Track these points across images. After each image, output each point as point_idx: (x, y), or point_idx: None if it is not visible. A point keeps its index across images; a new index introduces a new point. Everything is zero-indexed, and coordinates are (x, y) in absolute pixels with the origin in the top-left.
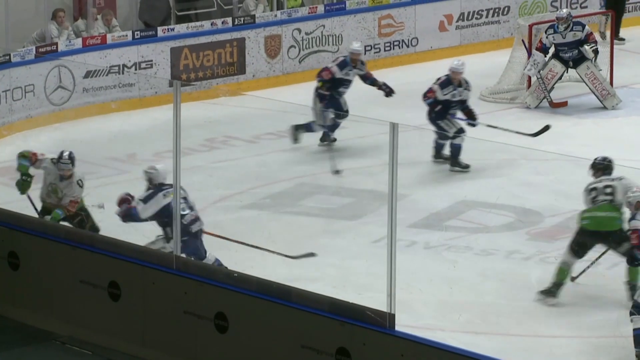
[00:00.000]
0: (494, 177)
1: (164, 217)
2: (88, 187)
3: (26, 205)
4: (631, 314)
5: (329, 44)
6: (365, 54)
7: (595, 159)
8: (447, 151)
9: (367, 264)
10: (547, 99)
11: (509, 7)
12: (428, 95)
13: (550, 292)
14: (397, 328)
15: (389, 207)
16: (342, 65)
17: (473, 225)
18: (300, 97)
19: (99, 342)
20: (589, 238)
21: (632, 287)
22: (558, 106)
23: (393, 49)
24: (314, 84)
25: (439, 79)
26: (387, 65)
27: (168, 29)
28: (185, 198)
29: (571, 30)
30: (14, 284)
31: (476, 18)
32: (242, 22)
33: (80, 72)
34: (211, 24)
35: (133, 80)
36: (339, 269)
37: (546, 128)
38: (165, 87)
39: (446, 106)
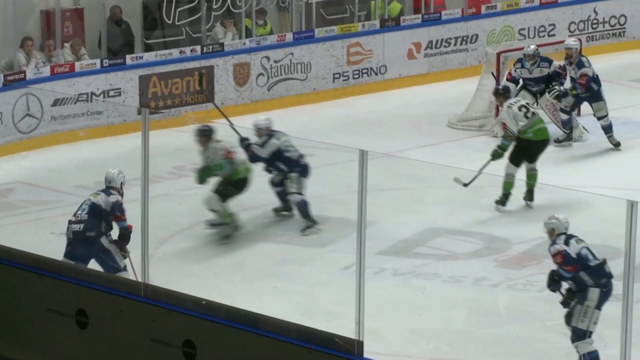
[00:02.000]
0: (462, 204)
1: None
2: (54, 216)
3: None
4: (572, 341)
5: (297, 72)
6: (334, 81)
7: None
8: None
9: (335, 291)
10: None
11: (477, 35)
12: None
13: (501, 202)
14: (365, 355)
15: (357, 234)
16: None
17: (441, 252)
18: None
19: None
20: (528, 148)
21: (568, 315)
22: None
23: (362, 76)
24: (282, 111)
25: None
26: (356, 92)
27: (137, 57)
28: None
29: (538, 66)
30: None
31: (444, 46)
32: (210, 49)
33: (48, 100)
34: (180, 52)
35: (101, 108)
36: (306, 297)
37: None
38: (134, 115)
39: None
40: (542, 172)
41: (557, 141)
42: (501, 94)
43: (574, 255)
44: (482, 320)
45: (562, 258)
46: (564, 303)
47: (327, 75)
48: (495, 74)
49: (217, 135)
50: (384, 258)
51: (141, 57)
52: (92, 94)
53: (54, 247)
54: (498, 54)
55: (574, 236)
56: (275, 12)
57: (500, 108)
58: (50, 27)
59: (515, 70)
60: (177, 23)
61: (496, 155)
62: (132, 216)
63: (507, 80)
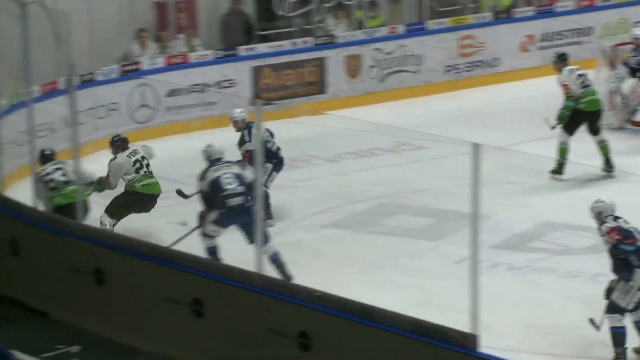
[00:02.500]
0: (578, 198)
1: (213, 189)
2: (170, 205)
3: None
4: (605, 312)
5: (409, 64)
6: (445, 74)
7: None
8: None
9: (449, 284)
10: (629, 119)
11: (591, 28)
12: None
13: (557, 171)
14: (480, 349)
15: (471, 227)
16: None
17: (557, 247)
18: (381, 116)
19: (183, 359)
20: (582, 118)
21: (608, 290)
22: (638, 125)
23: (474, 69)
24: (394, 103)
25: None
26: (468, 85)
27: (249, 48)
28: (238, 174)
29: None
30: (99, 300)
31: (558, 39)
32: (322, 41)
33: (163, 90)
34: (292, 44)
35: (215, 99)
36: (421, 289)
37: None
38: (247, 106)
39: None
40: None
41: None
42: (560, 60)
43: (627, 229)
44: (599, 316)
45: (620, 233)
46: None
47: (439, 68)
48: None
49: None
50: (498, 252)
51: (253, 49)
52: (206, 84)
53: (169, 236)
54: (613, 47)
55: (621, 217)
56: (387, 4)
57: (560, 74)
58: (164, 18)
59: (630, 58)
60: (289, 15)
61: (563, 117)
62: None
63: (622, 64)
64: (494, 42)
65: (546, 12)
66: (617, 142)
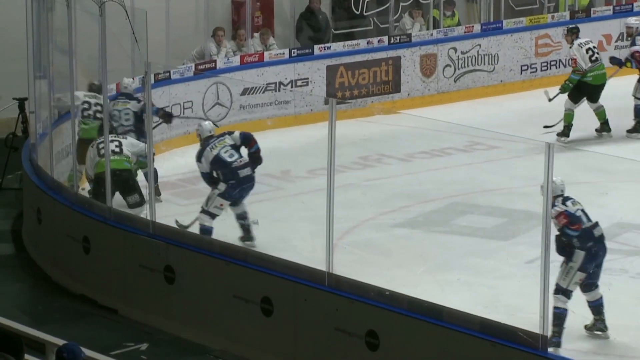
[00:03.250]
0: None
1: (216, 166)
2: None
3: (184, 220)
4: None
5: (484, 64)
6: (521, 73)
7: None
8: None
9: (519, 284)
10: None
11: None
12: None
13: (564, 133)
14: (549, 350)
15: (542, 227)
16: None
17: (629, 247)
18: (455, 116)
19: (251, 357)
20: (586, 90)
21: None
22: None
23: (550, 68)
24: (468, 103)
25: None
26: (544, 85)
27: (325, 47)
28: (232, 145)
29: None
30: (169, 298)
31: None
32: (398, 40)
33: (237, 89)
34: (367, 43)
35: (289, 97)
36: (490, 289)
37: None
38: (321, 104)
39: None
40: None
41: (628, 131)
42: (571, 33)
43: (575, 214)
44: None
45: (567, 218)
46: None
47: (514, 67)
48: None
49: None
50: None
51: (329, 47)
52: (280, 83)
53: (240, 235)
54: None
55: (571, 198)
56: (464, 3)
57: (570, 46)
58: (241, 17)
59: None
60: (365, 13)
61: (565, 88)
62: (318, 205)
63: None
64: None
65: (625, 12)
66: None
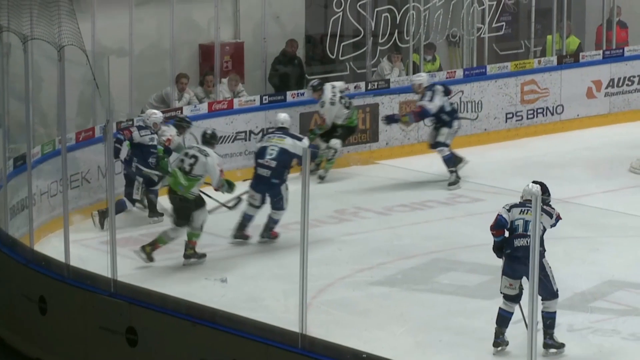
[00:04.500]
0: None
1: (255, 155)
2: (209, 261)
3: (147, 278)
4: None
5: (467, 111)
6: (506, 121)
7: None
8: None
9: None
10: None
11: None
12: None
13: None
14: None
15: (530, 285)
16: None
17: (621, 307)
18: (435, 167)
19: None
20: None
21: None
22: None
23: (537, 116)
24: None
25: None
26: (530, 134)
27: (298, 93)
28: (283, 150)
29: None
30: None
31: (627, 84)
32: (375, 86)
33: None
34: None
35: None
36: (474, 351)
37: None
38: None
39: None
40: None
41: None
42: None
43: (506, 221)
44: None
45: (495, 220)
46: None
47: (499, 115)
48: None
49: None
50: (558, 312)
51: (302, 94)
52: (251, 132)
53: (208, 294)
54: None
55: (524, 206)
56: (445, 47)
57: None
58: (209, 62)
59: None
60: (341, 58)
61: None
62: (291, 262)
63: None
64: (558, 88)
65: (615, 56)
66: None
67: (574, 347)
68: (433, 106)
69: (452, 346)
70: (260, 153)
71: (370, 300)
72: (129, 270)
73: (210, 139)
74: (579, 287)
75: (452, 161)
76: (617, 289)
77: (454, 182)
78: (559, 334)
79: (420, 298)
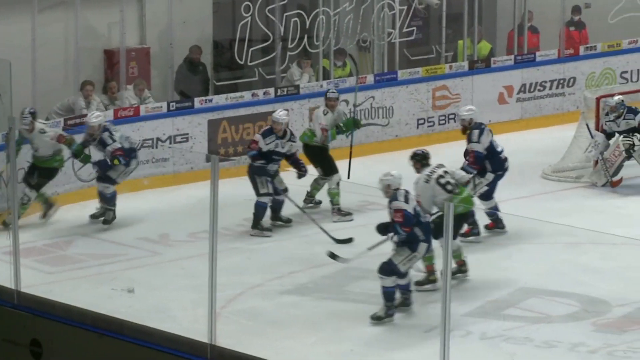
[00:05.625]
0: (557, 262)
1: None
2: (115, 270)
3: (51, 289)
4: (381, 272)
5: (378, 117)
6: (417, 127)
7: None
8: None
9: (417, 355)
10: (610, 181)
11: (574, 79)
12: (251, 146)
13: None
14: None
15: (442, 294)
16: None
17: (534, 314)
18: (353, 173)
19: None
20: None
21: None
22: (617, 184)
23: (448, 122)
24: (364, 159)
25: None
26: (442, 140)
27: (206, 99)
28: None
29: (624, 118)
30: None
31: (539, 90)
32: (285, 92)
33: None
34: (252, 95)
35: (167, 154)
36: None
37: (349, 240)
38: (202, 162)
39: (268, 159)
40: None
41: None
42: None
43: (412, 213)
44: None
45: (403, 218)
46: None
47: (410, 121)
48: (589, 125)
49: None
50: (471, 320)
51: (211, 100)
52: (158, 139)
53: (114, 304)
54: (597, 99)
55: (408, 192)
56: (355, 52)
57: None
58: (114, 68)
59: (605, 123)
60: (249, 63)
61: None
62: (200, 272)
63: (600, 131)
64: (470, 93)
65: (527, 61)
66: (600, 201)
67: (486, 355)
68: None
69: (363, 356)
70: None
71: (280, 310)
72: (33, 281)
73: None
74: (492, 294)
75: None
76: (530, 296)
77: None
78: (471, 342)
79: (332, 307)
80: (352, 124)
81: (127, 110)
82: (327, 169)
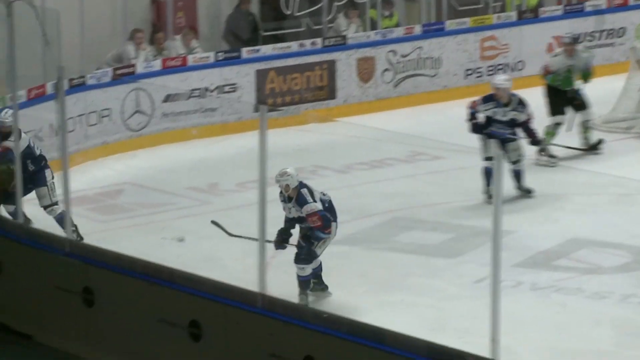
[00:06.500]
0: (608, 213)
1: None
2: (165, 220)
3: (103, 237)
4: (298, 260)
5: (426, 67)
6: (465, 78)
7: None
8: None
9: (467, 305)
10: None
11: (624, 29)
12: (471, 105)
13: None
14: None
15: (493, 244)
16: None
17: (585, 265)
18: (395, 124)
19: None
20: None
21: (304, 237)
22: None
23: (497, 73)
24: (409, 110)
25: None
26: (490, 91)
27: (253, 50)
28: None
29: None
30: (88, 322)
31: (588, 40)
32: (332, 43)
33: (159, 95)
34: (299, 45)
35: (215, 104)
36: (436, 310)
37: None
38: (250, 112)
39: (489, 124)
40: None
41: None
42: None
43: (323, 210)
44: (631, 340)
45: (322, 221)
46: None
47: (458, 72)
48: None
49: None
50: (521, 270)
51: (258, 50)
52: (206, 89)
53: (164, 253)
54: None
55: (307, 185)
56: (403, 2)
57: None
58: (162, 18)
59: None
60: (296, 14)
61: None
62: (250, 221)
63: None
64: (518, 43)
65: (576, 12)
66: None
67: (537, 306)
68: None
69: (414, 306)
70: None
71: (329, 260)
72: (84, 229)
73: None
74: (542, 245)
75: None
76: (581, 247)
77: None
78: (522, 292)
79: (381, 257)
80: (583, 76)
81: (174, 60)
82: (551, 110)
